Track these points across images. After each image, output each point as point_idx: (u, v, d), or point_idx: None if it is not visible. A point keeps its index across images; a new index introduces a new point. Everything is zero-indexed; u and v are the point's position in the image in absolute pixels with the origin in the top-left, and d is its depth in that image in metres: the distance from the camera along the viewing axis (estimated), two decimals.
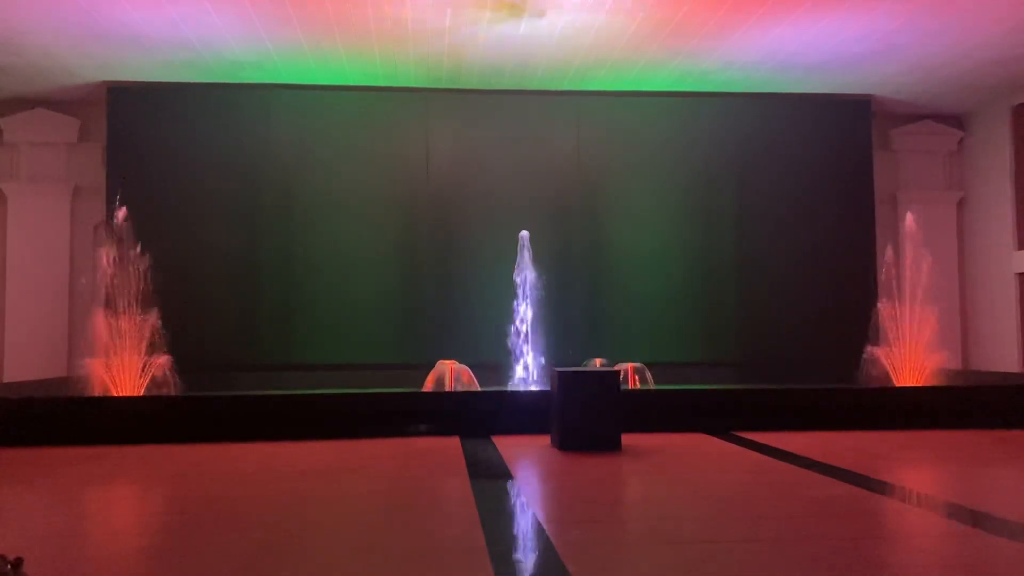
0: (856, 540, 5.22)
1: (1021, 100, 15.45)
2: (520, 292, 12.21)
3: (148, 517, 6.55)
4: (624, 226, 15.68)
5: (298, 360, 14.55)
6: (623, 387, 10.58)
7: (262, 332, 14.41)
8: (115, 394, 10.96)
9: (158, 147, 14.85)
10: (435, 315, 15.12)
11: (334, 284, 14.72)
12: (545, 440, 9.50)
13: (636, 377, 12.72)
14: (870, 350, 12.51)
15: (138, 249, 11.58)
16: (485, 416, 10.37)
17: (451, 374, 11.93)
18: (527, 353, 12.26)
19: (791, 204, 15.74)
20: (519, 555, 5.14)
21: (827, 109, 15.87)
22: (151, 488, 7.50)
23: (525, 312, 12.12)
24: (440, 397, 11.25)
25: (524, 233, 12.59)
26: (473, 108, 15.59)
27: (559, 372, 9.22)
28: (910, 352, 12.33)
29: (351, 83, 15.07)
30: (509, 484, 7.37)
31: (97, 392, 10.95)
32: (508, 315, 13.02)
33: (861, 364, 12.64)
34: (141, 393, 11.09)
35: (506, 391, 11.85)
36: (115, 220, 11.70)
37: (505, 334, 12.94)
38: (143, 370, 11.20)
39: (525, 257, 12.32)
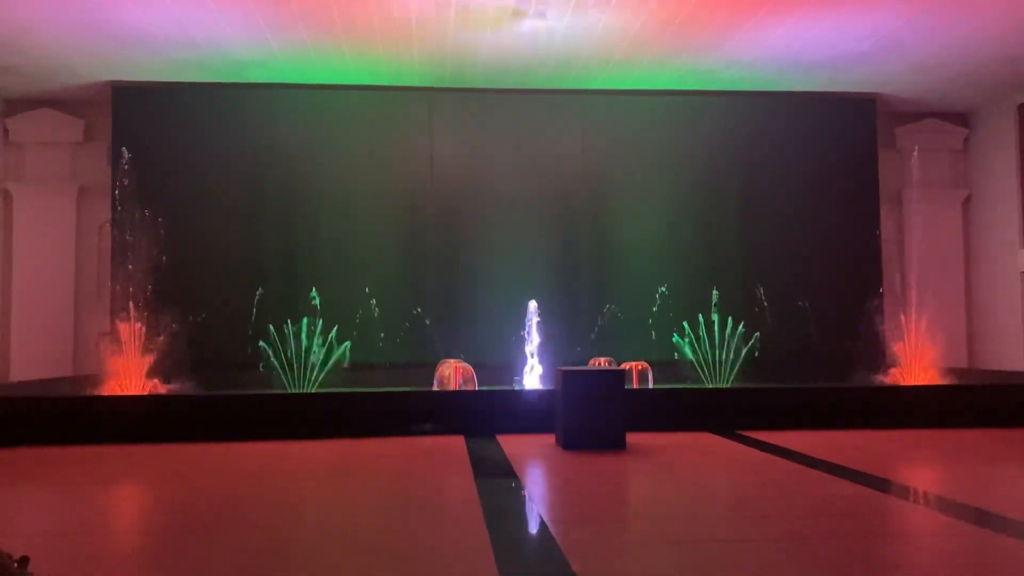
0: (862, 539, 5.21)
1: None
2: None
3: (151, 516, 6.56)
4: (629, 225, 15.66)
5: (302, 359, 14.56)
6: (627, 386, 10.57)
7: (266, 330, 14.41)
8: (119, 393, 10.98)
9: (163, 147, 14.85)
10: (439, 314, 15.11)
11: (338, 282, 14.72)
12: (550, 439, 9.50)
13: (651, 374, 12.78)
14: (876, 348, 12.49)
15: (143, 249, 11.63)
16: (490, 415, 10.37)
17: (454, 373, 11.93)
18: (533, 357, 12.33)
19: (796, 203, 15.70)
20: (524, 554, 5.14)
21: (832, 107, 15.83)
22: (154, 488, 7.51)
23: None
24: (444, 396, 11.25)
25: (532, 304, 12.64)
26: (477, 107, 15.58)
27: (564, 371, 9.21)
28: (915, 350, 12.31)
29: (355, 82, 15.07)
30: (514, 483, 7.37)
31: (101, 391, 10.97)
32: (513, 314, 13.03)
33: (866, 362, 12.62)
34: (145, 392, 11.11)
35: (511, 390, 11.85)
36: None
37: (509, 334, 12.95)
38: (147, 369, 11.22)
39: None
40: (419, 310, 14.94)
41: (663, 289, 14.57)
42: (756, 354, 13.55)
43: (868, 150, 15.98)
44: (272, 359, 12.68)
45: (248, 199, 15.10)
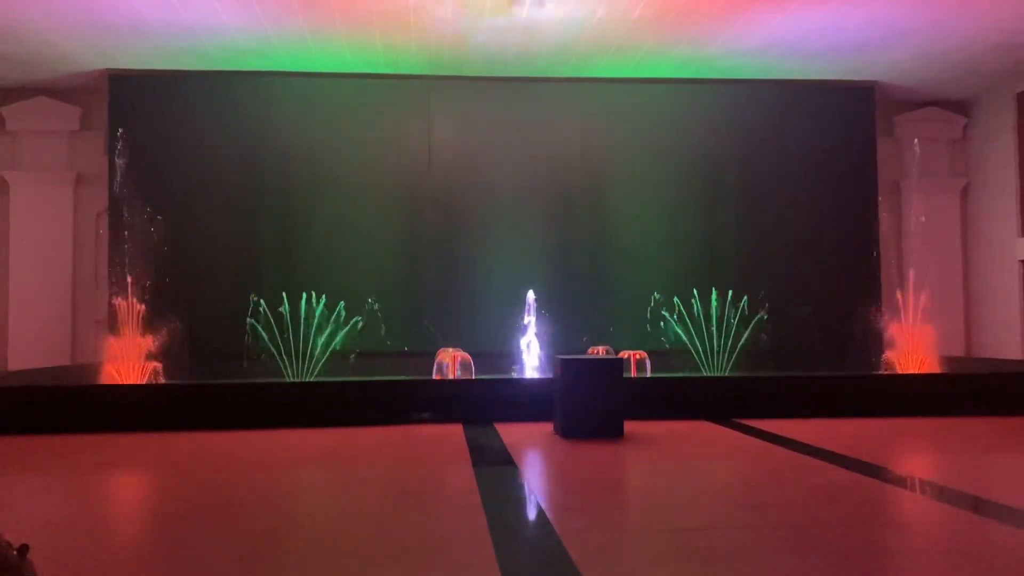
0: (858, 526, 5.23)
1: None
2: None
3: (150, 505, 6.57)
4: (627, 213, 15.66)
5: (300, 348, 14.56)
6: (625, 374, 10.58)
7: (263, 319, 14.42)
8: (117, 382, 10.99)
9: (160, 135, 14.83)
10: (437, 303, 15.10)
11: (336, 271, 14.72)
12: (548, 427, 9.51)
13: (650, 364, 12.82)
14: (873, 337, 12.51)
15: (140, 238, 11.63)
16: (488, 403, 10.38)
17: (453, 362, 11.94)
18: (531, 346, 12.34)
19: (795, 191, 15.70)
20: (522, 542, 5.15)
21: (830, 96, 15.80)
22: (153, 476, 7.52)
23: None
24: (443, 384, 11.26)
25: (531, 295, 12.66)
26: (475, 95, 15.54)
27: (562, 359, 9.22)
28: (913, 339, 12.32)
29: (352, 70, 15.02)
30: (512, 471, 7.38)
31: (99, 380, 10.97)
32: (511, 303, 13.02)
33: (864, 351, 12.63)
34: (143, 381, 11.11)
35: (509, 378, 11.85)
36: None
37: (507, 322, 12.94)
38: (145, 358, 11.22)
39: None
40: (418, 298, 14.93)
41: (662, 277, 14.56)
42: (749, 339, 13.59)
43: (867, 138, 15.96)
44: (267, 345, 12.68)
45: (245, 187, 15.08)
